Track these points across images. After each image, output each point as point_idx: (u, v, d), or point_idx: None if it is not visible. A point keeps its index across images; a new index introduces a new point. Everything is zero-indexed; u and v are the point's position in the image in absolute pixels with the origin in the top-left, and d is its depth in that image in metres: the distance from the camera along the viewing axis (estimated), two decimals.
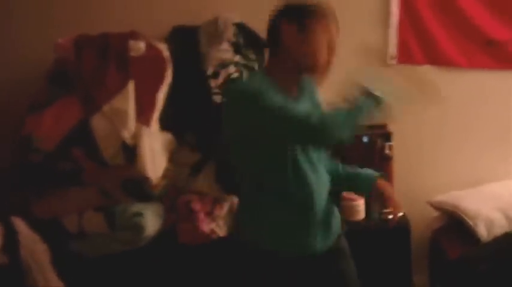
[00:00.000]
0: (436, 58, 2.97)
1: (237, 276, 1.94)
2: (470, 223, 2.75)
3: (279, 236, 1.85)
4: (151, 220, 2.38)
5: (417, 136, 3.02)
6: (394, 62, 2.94)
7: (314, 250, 1.88)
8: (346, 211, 2.53)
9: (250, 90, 1.75)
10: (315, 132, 1.68)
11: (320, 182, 1.88)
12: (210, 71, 2.61)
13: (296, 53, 1.80)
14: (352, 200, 2.58)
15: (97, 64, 2.48)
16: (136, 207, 2.38)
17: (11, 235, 1.92)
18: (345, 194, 2.57)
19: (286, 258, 1.85)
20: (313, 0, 1.86)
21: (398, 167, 2.76)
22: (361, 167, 2.74)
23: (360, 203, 2.59)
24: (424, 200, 2.95)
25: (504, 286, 2.35)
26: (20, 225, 1.96)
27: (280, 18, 1.82)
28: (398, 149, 2.79)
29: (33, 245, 1.96)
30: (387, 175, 2.71)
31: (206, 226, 2.39)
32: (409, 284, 2.72)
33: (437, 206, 2.96)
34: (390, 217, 2.64)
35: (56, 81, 2.52)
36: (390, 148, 2.71)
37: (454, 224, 2.89)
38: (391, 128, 2.82)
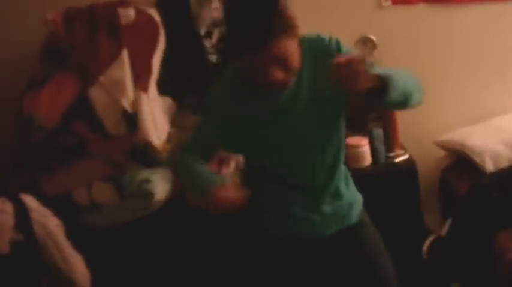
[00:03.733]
0: None
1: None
2: (477, 159, 2.75)
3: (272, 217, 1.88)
4: (160, 186, 2.39)
5: (419, 76, 2.98)
6: (389, 3, 2.90)
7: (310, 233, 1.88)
8: (352, 158, 2.52)
9: (205, 100, 1.83)
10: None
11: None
12: (203, 31, 2.59)
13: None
14: (357, 146, 2.58)
15: (88, 36, 2.46)
16: (144, 174, 2.39)
17: (23, 212, 1.93)
18: (349, 140, 2.57)
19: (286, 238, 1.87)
20: None
21: None
22: (365, 112, 2.74)
23: (365, 149, 2.59)
24: (430, 140, 2.95)
25: None
26: (31, 202, 1.96)
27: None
28: None
29: (46, 221, 1.96)
30: (392, 119, 2.70)
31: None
32: (421, 224, 2.74)
33: (443, 146, 2.96)
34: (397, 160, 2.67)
35: (49, 58, 2.50)
36: None
37: (461, 162, 2.89)
38: None
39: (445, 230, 2.56)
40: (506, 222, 2.34)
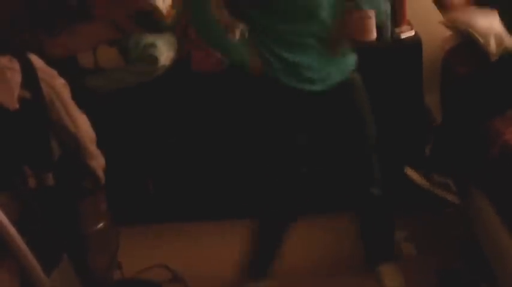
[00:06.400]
0: None
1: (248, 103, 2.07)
2: (482, 40, 2.72)
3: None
4: (164, 50, 2.40)
5: None
6: None
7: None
8: (357, 29, 2.48)
9: None
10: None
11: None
12: None
13: None
14: (364, 17, 2.53)
15: None
16: (149, 38, 2.39)
17: (30, 71, 1.93)
18: (355, 11, 2.52)
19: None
20: None
21: None
22: None
23: (372, 21, 2.55)
24: (437, 20, 2.91)
25: None
26: (37, 61, 1.96)
27: None
28: None
29: (52, 80, 1.97)
30: None
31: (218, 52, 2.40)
32: (421, 104, 2.77)
33: (449, 24, 2.92)
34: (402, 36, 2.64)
35: None
36: None
37: (465, 45, 2.87)
38: None
39: (440, 119, 2.61)
40: (503, 107, 2.38)
